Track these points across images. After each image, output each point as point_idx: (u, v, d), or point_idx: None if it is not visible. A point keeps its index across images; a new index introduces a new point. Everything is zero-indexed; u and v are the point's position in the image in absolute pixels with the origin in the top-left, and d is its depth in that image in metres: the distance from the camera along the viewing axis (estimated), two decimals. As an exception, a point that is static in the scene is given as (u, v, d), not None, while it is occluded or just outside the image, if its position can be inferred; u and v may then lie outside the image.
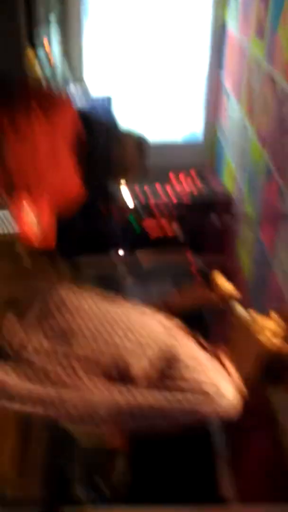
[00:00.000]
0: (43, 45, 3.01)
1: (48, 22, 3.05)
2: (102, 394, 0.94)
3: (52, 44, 3.07)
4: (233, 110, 2.98)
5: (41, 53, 3.04)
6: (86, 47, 3.23)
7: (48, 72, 3.07)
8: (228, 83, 3.09)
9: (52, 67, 3.08)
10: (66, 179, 1.61)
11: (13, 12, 2.37)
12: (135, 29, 3.26)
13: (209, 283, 1.24)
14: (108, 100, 3.05)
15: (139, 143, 1.68)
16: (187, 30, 3.27)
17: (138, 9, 3.21)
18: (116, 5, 3.19)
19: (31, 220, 1.45)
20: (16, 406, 0.94)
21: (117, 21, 3.23)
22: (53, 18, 3.06)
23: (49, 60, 3.07)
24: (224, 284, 1.24)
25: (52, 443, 2.13)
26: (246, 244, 2.68)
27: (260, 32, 2.43)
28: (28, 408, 0.94)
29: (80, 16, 3.13)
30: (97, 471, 2.14)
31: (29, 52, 2.99)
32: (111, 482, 2.07)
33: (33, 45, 3.02)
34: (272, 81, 2.24)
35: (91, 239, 3.02)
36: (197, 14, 3.22)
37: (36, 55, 3.02)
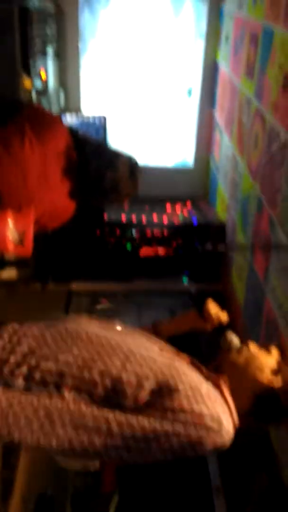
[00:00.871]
0: (39, 75, 3.10)
1: (45, 54, 3.16)
2: (96, 421, 0.90)
3: (48, 75, 3.16)
4: (225, 145, 3.10)
5: (37, 82, 3.13)
6: (83, 79, 3.33)
7: (43, 100, 3.16)
8: (220, 119, 3.23)
9: (48, 96, 3.16)
10: (57, 201, 1.62)
11: (8, 42, 2.46)
12: (131, 65, 3.39)
13: (202, 310, 1.23)
14: (103, 120, 3.12)
15: (132, 165, 1.70)
16: (180, 66, 3.42)
17: (135, 46, 3.35)
18: (114, 42, 3.33)
19: (11, 231, 1.46)
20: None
21: (114, 56, 3.36)
22: (50, 50, 3.17)
23: (45, 89, 3.15)
24: (217, 312, 1.23)
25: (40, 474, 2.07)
26: (240, 273, 2.73)
27: (250, 72, 2.57)
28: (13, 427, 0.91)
29: (77, 49, 3.25)
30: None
31: (25, 81, 3.08)
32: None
33: (30, 75, 3.11)
34: (262, 118, 2.36)
35: (85, 265, 3.03)
36: (190, 51, 3.38)
37: (33, 84, 3.10)
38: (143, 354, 1.00)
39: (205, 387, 0.96)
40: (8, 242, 1.44)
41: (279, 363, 1.05)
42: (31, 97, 3.09)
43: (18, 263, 3.07)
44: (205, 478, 2.07)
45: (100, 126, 3.12)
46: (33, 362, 0.97)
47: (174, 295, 2.92)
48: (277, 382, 1.01)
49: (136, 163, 1.72)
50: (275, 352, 1.07)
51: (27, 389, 0.95)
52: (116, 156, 1.67)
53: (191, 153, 3.60)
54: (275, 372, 1.03)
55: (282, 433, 2.01)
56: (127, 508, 1.99)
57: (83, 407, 0.92)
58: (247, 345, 1.09)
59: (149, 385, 0.94)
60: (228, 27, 2.99)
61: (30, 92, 3.08)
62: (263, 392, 1.00)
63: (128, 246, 2.82)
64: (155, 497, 2.00)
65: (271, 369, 1.03)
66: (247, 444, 1.98)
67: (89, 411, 0.91)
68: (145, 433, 0.89)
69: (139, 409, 0.92)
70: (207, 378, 1.01)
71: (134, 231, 2.87)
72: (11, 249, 1.46)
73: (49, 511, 2.05)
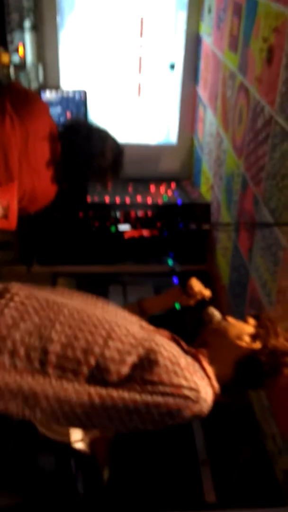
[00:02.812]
0: (17, 50, 2.99)
1: (22, 28, 3.03)
2: (79, 394, 0.94)
3: (26, 49, 3.05)
4: (209, 121, 3.05)
5: (15, 57, 3.02)
6: (61, 54, 3.22)
7: (22, 75, 3.06)
8: (204, 94, 3.16)
9: (26, 71, 3.06)
10: (38, 184, 1.60)
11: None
12: (110, 39, 3.27)
13: (186, 287, 1.26)
14: (83, 95, 3.03)
15: (117, 148, 1.69)
16: (162, 39, 3.31)
17: (115, 19, 3.22)
18: (93, 14, 3.20)
19: None
20: None
21: (93, 30, 3.24)
22: (28, 24, 3.04)
23: (23, 64, 3.05)
24: (200, 288, 1.27)
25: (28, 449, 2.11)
26: (225, 252, 2.74)
27: (233, 45, 2.50)
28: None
29: (55, 23, 3.12)
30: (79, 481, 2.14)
31: (3, 56, 2.97)
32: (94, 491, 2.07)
33: (7, 50, 3.00)
34: (246, 93, 2.31)
35: (70, 247, 3.01)
36: (172, 24, 3.27)
37: (10, 59, 3.00)
38: (124, 330, 1.02)
39: (184, 360, 0.99)
40: None
41: (256, 329, 1.10)
42: (9, 72, 2.99)
43: (2, 245, 3.04)
44: (192, 451, 2.15)
45: (81, 100, 3.03)
46: (17, 336, 0.99)
47: (159, 275, 2.93)
48: (256, 345, 1.06)
49: (120, 146, 1.70)
50: (251, 320, 1.13)
51: (13, 365, 0.96)
52: (102, 141, 1.65)
53: (174, 131, 3.53)
54: (254, 337, 1.08)
55: (264, 405, 2.07)
56: (118, 480, 2.06)
57: (65, 383, 0.95)
58: (226, 319, 1.15)
59: (131, 359, 0.97)
60: (211, -3, 2.89)
61: (8, 67, 2.98)
62: (243, 357, 1.06)
63: (112, 228, 2.80)
64: (145, 470, 2.06)
65: (249, 334, 1.09)
66: (231, 417, 2.06)
67: (71, 386, 0.95)
68: (125, 404, 0.93)
69: (121, 382, 0.96)
70: (187, 352, 1.06)
71: (118, 212, 2.84)
72: None
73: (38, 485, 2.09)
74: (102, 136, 1.65)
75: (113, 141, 1.69)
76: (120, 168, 1.71)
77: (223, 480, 2.02)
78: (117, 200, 2.95)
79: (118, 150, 1.69)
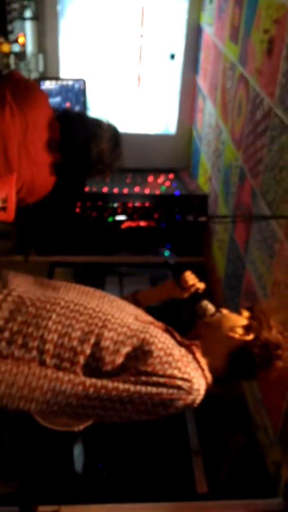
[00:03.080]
0: (18, 40, 2.97)
1: (23, 17, 3.01)
2: (74, 385, 0.95)
3: (27, 39, 3.03)
4: (208, 112, 3.03)
5: (15, 47, 3.00)
6: (62, 44, 3.20)
7: (22, 65, 3.04)
8: (204, 85, 3.14)
9: (26, 60, 3.05)
10: (36, 175, 1.59)
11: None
12: (111, 28, 3.25)
13: (180, 280, 1.26)
14: (83, 84, 3.01)
15: (115, 135, 1.67)
16: (163, 29, 3.29)
17: (115, 7, 3.20)
18: (93, 4, 3.17)
19: None
20: None
21: (94, 19, 3.22)
22: (28, 13, 3.02)
23: (23, 53, 3.03)
24: (194, 281, 1.27)
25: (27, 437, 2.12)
26: (221, 244, 2.74)
27: (234, 36, 2.48)
28: None
29: (56, 12, 3.10)
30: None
31: (3, 45, 2.95)
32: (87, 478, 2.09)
33: (7, 39, 2.98)
34: (246, 85, 2.30)
35: (67, 237, 3.01)
36: (173, 13, 3.24)
37: (11, 49, 2.98)
38: (119, 321, 1.04)
39: (178, 352, 1.01)
40: None
41: (249, 321, 1.11)
42: (9, 62, 2.98)
43: (0, 235, 3.04)
44: (185, 441, 2.16)
45: (80, 90, 3.01)
46: (15, 327, 1.00)
47: (156, 266, 2.93)
48: (249, 337, 1.07)
49: (118, 132, 1.68)
50: (245, 313, 1.14)
51: (10, 353, 0.98)
52: (99, 127, 1.63)
53: (173, 121, 3.50)
54: (247, 329, 1.09)
55: (257, 397, 2.08)
56: (111, 470, 2.07)
57: (61, 374, 0.96)
58: (220, 311, 1.16)
59: (125, 350, 0.99)
60: (212, -13, 2.86)
61: (8, 57, 2.96)
62: (236, 349, 1.07)
63: (110, 219, 2.80)
64: (137, 460, 2.08)
65: (242, 326, 1.10)
66: (224, 408, 2.07)
67: (66, 377, 0.96)
68: (120, 395, 0.95)
69: (115, 373, 0.98)
70: (181, 343, 1.07)
71: (115, 203, 2.84)
72: None
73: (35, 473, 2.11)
74: (95, 123, 1.64)
75: (110, 127, 1.67)
76: (118, 163, 1.70)
77: (215, 470, 2.04)
78: (115, 190, 2.94)
79: (116, 136, 1.67)
